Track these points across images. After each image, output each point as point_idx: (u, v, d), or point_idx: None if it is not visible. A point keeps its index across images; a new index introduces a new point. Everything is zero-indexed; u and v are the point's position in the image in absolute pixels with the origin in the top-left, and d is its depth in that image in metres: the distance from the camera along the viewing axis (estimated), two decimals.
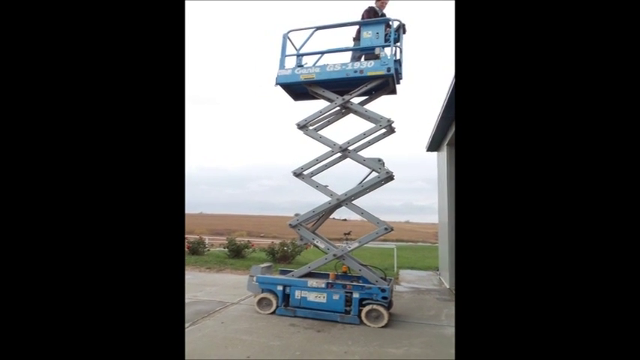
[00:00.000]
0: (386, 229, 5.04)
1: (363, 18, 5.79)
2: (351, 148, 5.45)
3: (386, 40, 5.36)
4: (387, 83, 5.46)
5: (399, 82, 5.71)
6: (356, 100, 5.62)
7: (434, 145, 9.37)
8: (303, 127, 5.60)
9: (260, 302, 5.04)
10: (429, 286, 7.93)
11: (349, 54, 5.82)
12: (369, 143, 5.68)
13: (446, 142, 8.23)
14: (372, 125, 5.42)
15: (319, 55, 5.70)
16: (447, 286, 7.80)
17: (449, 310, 5.61)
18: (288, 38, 5.76)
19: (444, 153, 8.55)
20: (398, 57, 5.53)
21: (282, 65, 5.71)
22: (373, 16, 5.75)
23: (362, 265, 5.10)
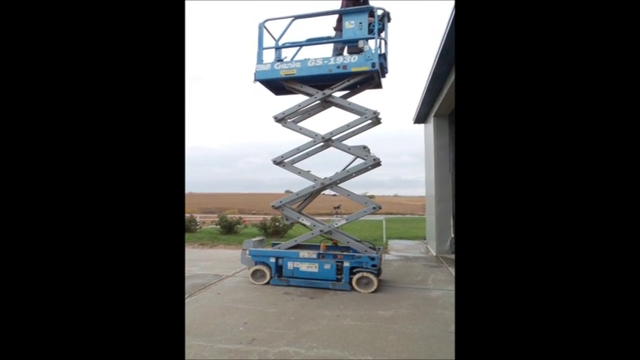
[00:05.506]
0: (374, 207, 5.09)
1: (343, 6, 5.32)
2: (334, 138, 5.27)
3: (370, 31, 4.98)
4: (371, 78, 5.20)
5: (384, 76, 5.41)
6: (339, 92, 5.30)
7: (421, 118, 9.48)
8: (280, 120, 5.38)
9: (254, 274, 5.22)
10: (416, 254, 8.25)
11: (330, 45, 5.41)
12: (354, 133, 5.46)
13: (432, 114, 8.33)
14: (356, 117, 5.23)
15: (298, 47, 5.29)
16: (434, 254, 8.13)
17: (435, 276, 5.90)
18: (265, 28, 5.31)
19: (430, 125, 8.66)
20: (383, 50, 5.19)
21: (260, 59, 5.29)
22: (353, 4, 5.26)
23: (349, 237, 5.25)
